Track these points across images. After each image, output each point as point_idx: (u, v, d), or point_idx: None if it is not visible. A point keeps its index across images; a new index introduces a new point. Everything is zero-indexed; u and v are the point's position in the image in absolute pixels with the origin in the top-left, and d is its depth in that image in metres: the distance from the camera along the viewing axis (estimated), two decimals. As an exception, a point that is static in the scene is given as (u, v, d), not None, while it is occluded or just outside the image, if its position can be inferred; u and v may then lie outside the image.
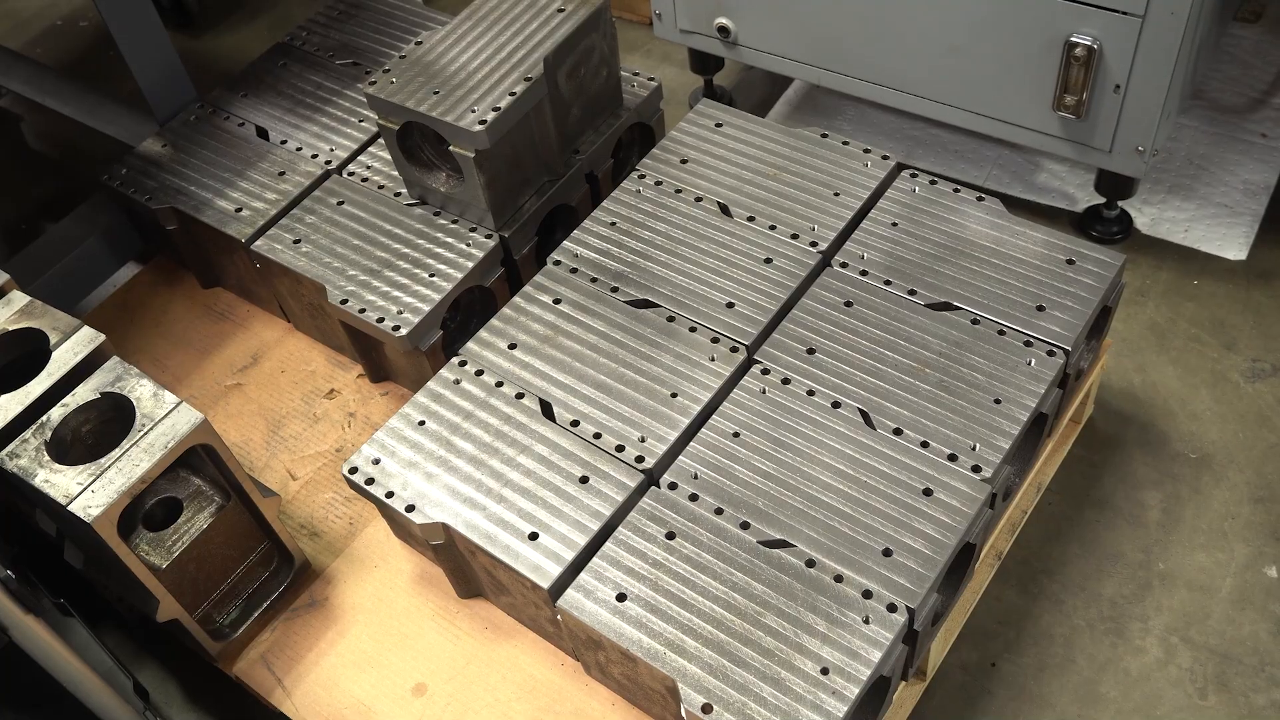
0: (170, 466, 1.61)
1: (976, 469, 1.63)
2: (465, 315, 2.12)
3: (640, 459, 1.70)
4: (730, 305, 1.87)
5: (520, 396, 1.80)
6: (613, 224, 2.02)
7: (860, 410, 1.72)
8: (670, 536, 1.62)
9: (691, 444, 1.71)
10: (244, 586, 1.85)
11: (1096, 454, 2.13)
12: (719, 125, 2.15)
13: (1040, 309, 1.80)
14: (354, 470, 1.76)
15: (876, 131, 2.71)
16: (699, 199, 2.03)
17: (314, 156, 2.26)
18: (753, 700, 1.45)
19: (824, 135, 2.09)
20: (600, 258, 1.97)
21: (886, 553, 1.56)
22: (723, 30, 2.52)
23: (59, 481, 1.57)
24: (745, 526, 1.61)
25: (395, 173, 2.18)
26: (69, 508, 1.54)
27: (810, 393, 1.75)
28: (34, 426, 1.64)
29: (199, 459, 1.73)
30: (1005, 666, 1.89)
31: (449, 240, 2.06)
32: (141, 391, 1.66)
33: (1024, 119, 2.26)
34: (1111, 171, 2.27)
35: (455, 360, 1.87)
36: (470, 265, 2.01)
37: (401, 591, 1.87)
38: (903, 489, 1.62)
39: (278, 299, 2.24)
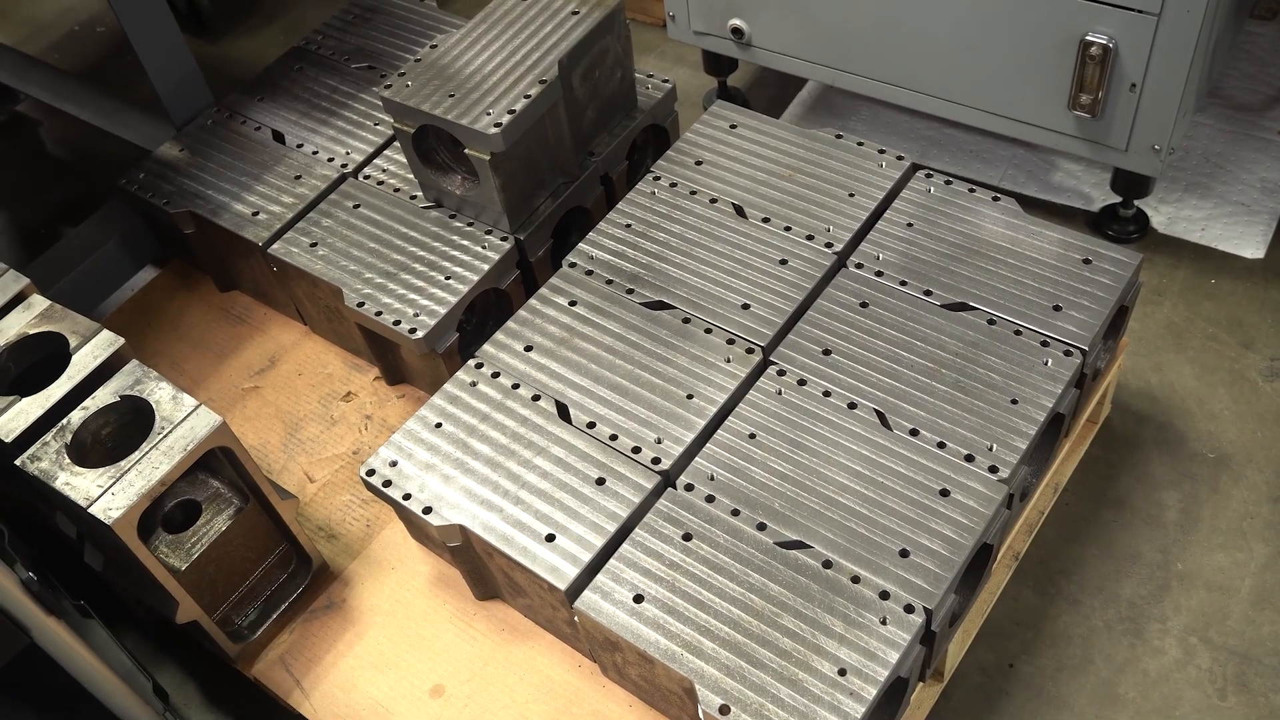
0: (189, 469, 1.62)
1: (993, 469, 1.63)
2: (481, 317, 2.13)
3: (656, 460, 1.70)
4: (746, 306, 1.87)
5: (536, 398, 1.81)
6: (628, 226, 2.02)
7: (876, 411, 1.72)
8: (687, 538, 1.62)
9: (708, 445, 1.71)
10: (262, 588, 1.86)
11: (1114, 454, 2.12)
12: (733, 126, 2.15)
13: (1057, 309, 1.79)
14: (371, 472, 1.76)
15: (891, 132, 2.71)
16: (714, 200, 2.03)
17: (330, 160, 2.27)
18: (770, 701, 1.45)
19: (838, 136, 2.09)
20: (615, 260, 1.97)
21: (903, 553, 1.56)
22: (736, 32, 2.52)
23: (79, 484, 1.58)
24: (762, 528, 1.61)
25: (411, 176, 2.19)
26: (89, 510, 1.55)
27: (826, 394, 1.75)
28: (54, 429, 1.66)
29: (217, 461, 1.74)
30: (1023, 667, 1.89)
31: (464, 243, 2.07)
32: (160, 394, 1.67)
33: (1039, 118, 2.25)
34: (1127, 170, 2.26)
35: (471, 362, 1.88)
36: (486, 268, 2.02)
37: (419, 593, 1.88)
38: (919, 490, 1.62)
39: (294, 302, 2.25)
